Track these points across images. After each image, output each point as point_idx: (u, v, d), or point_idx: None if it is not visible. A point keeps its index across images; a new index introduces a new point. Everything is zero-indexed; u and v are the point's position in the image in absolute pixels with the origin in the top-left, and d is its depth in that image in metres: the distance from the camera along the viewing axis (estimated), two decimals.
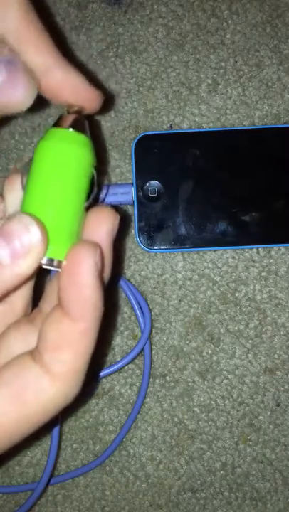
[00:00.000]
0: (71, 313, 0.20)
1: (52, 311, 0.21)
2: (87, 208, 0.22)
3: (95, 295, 0.20)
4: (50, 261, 0.20)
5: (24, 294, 0.25)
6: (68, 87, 0.23)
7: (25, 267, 0.19)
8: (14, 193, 0.23)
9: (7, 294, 0.20)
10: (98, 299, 0.20)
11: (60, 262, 0.20)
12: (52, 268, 0.21)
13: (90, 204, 0.22)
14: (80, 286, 0.19)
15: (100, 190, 0.23)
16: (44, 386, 0.20)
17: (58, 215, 0.21)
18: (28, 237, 0.19)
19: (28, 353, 0.21)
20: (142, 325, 0.36)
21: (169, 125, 0.37)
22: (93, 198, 0.22)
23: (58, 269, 0.20)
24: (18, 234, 0.19)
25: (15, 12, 0.21)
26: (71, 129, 0.22)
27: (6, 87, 0.21)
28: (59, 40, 0.38)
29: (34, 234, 0.19)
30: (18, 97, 0.21)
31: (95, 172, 0.22)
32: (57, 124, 0.22)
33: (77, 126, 0.22)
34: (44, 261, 0.20)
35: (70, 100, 0.23)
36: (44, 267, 0.20)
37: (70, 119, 0.22)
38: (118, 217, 0.22)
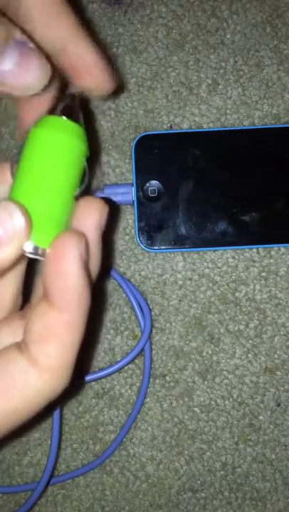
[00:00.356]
0: (56, 304, 0.20)
1: (38, 303, 0.20)
2: (77, 198, 0.22)
3: (80, 285, 0.20)
4: (35, 249, 0.20)
5: (12, 288, 0.25)
6: (82, 66, 0.22)
7: (7, 254, 0.19)
8: (3, 184, 0.23)
9: None
10: (84, 290, 0.20)
11: (44, 251, 0.20)
12: (36, 257, 0.20)
13: (80, 194, 0.22)
14: (64, 275, 0.19)
15: (91, 180, 0.23)
16: (31, 379, 0.20)
17: (45, 204, 0.20)
18: (11, 224, 0.19)
19: (14, 346, 0.21)
20: (142, 325, 0.36)
21: (169, 125, 0.37)
22: (84, 188, 0.22)
23: (42, 258, 0.20)
24: (1, 221, 0.19)
25: None
26: (64, 117, 0.21)
27: (18, 70, 0.21)
28: None
29: (17, 221, 0.19)
30: (30, 80, 0.21)
31: (86, 162, 0.22)
32: (50, 110, 0.22)
33: (71, 114, 0.22)
34: (29, 249, 0.20)
35: (83, 81, 0.22)
36: (28, 255, 0.20)
37: (64, 106, 0.22)
38: (107, 208, 0.22)
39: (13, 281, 0.25)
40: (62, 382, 0.21)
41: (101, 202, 0.22)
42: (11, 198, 0.20)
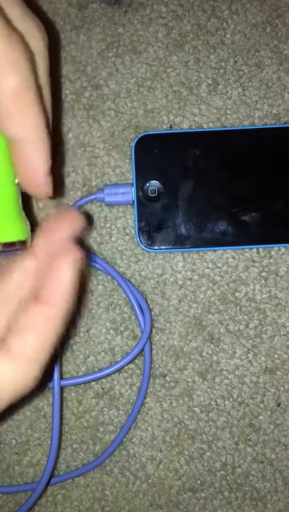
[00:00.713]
0: (44, 298, 0.20)
1: (22, 301, 0.21)
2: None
3: (70, 283, 0.20)
4: (11, 244, 0.21)
5: None
6: (27, 168, 0.23)
7: None
8: None
9: None
10: (72, 290, 0.21)
11: (22, 243, 0.21)
12: (12, 250, 0.21)
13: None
14: (59, 276, 0.20)
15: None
16: (3, 367, 0.20)
17: (4, 200, 0.22)
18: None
19: None
20: (142, 325, 0.36)
21: (169, 125, 0.37)
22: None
23: (17, 251, 0.21)
24: None
25: (12, 81, 0.21)
26: None
27: None
28: (59, 40, 0.38)
29: None
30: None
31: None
32: None
33: None
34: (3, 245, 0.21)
35: (23, 179, 0.23)
36: (4, 249, 0.21)
37: None
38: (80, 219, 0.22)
39: None
40: (33, 375, 0.21)
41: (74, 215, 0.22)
42: None
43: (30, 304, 0.21)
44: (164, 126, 0.37)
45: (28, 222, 0.24)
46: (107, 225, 0.37)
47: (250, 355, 0.37)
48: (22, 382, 0.21)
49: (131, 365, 0.37)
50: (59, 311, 0.21)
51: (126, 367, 0.37)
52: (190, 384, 0.37)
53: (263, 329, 0.37)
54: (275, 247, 0.37)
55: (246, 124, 0.37)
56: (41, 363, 0.21)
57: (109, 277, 0.37)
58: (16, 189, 0.22)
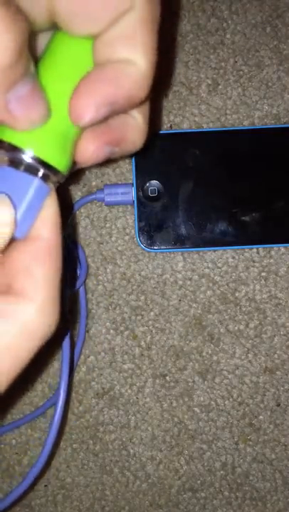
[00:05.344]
0: (35, 234, 0.21)
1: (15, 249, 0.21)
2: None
3: (57, 218, 0.21)
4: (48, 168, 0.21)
5: None
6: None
7: None
8: None
9: None
10: (58, 222, 0.21)
11: (59, 175, 0.21)
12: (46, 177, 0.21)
13: None
14: (45, 214, 0.21)
15: None
16: (21, 310, 0.20)
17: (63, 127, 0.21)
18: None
19: None
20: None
21: (169, 125, 0.37)
22: None
23: (49, 180, 0.21)
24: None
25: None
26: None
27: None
28: None
29: (5, 215, 0.20)
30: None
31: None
32: None
33: None
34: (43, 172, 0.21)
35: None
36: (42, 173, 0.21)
37: None
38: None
39: None
40: (55, 312, 0.21)
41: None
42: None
43: (23, 245, 0.21)
44: (164, 126, 0.37)
45: (70, 164, 0.23)
46: (107, 225, 0.37)
47: (250, 355, 0.37)
48: (46, 322, 0.20)
49: (131, 365, 0.37)
50: (55, 240, 0.21)
51: (126, 366, 0.37)
52: (190, 384, 0.37)
53: (263, 329, 0.37)
54: (275, 247, 0.37)
55: (246, 124, 0.37)
56: (57, 294, 0.21)
57: (109, 277, 0.37)
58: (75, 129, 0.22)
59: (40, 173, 0.21)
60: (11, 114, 0.19)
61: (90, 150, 0.23)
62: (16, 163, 0.21)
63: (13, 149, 0.21)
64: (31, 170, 0.21)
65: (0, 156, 0.21)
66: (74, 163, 0.23)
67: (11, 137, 0.21)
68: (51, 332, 0.21)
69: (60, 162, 0.22)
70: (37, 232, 0.21)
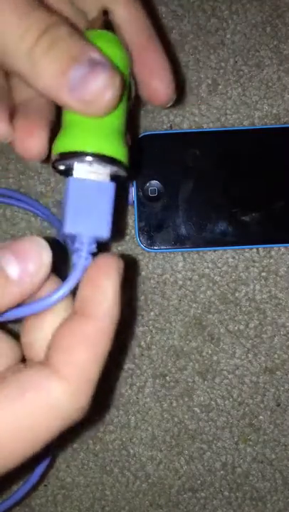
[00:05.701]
0: (87, 311, 0.19)
1: (64, 321, 0.20)
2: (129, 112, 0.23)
3: (116, 297, 0.20)
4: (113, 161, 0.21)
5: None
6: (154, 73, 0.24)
7: (30, 285, 0.20)
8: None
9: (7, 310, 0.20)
10: (117, 303, 0.20)
11: (120, 165, 0.21)
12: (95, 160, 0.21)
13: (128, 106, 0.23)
14: (104, 288, 0.20)
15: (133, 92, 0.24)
16: (51, 386, 0.19)
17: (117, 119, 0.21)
18: (39, 261, 0.20)
19: (32, 364, 0.20)
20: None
21: (169, 125, 0.37)
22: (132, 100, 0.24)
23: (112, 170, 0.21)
24: (30, 256, 0.19)
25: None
26: (106, 30, 0.22)
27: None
28: None
29: (45, 258, 0.20)
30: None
31: (130, 74, 0.23)
32: (90, 26, 0.22)
33: (109, 27, 0.22)
34: (89, 157, 0.21)
35: (148, 85, 0.24)
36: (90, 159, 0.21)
37: (101, 21, 0.22)
38: (122, 264, 0.21)
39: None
40: (85, 399, 0.19)
41: (116, 260, 0.21)
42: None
43: (74, 319, 0.20)
44: (164, 126, 0.37)
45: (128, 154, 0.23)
46: None
47: (250, 355, 0.37)
48: (74, 407, 0.19)
49: (131, 365, 0.37)
50: (107, 324, 0.20)
51: (126, 367, 0.37)
52: (190, 384, 0.37)
53: (263, 329, 0.37)
54: (275, 247, 0.37)
55: (246, 124, 0.37)
56: (93, 382, 0.19)
57: None
58: (127, 116, 0.22)
59: (109, 171, 0.21)
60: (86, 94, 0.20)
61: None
62: (78, 169, 0.21)
63: (75, 155, 0.21)
64: (99, 172, 0.21)
65: (60, 168, 0.22)
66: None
67: (68, 146, 0.21)
68: (79, 417, 0.19)
69: (124, 156, 0.21)
70: (90, 310, 0.19)
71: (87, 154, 0.20)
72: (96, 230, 0.21)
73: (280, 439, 0.37)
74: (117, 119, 0.21)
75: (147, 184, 0.36)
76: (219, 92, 0.37)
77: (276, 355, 0.37)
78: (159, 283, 0.37)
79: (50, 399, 0.18)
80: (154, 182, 0.36)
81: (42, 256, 0.20)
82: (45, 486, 0.37)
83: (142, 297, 0.37)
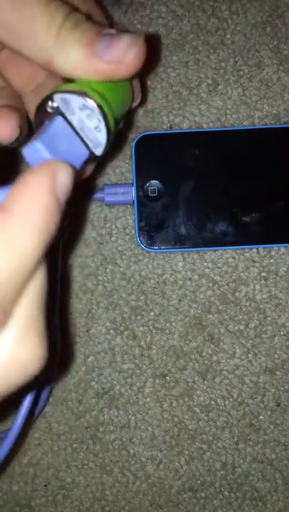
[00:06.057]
0: (12, 208, 0.18)
1: None
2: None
3: (46, 201, 0.18)
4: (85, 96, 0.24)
5: None
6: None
7: None
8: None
9: None
10: (49, 209, 0.18)
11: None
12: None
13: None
14: (33, 186, 0.18)
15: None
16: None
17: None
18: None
19: None
20: None
21: (169, 125, 0.37)
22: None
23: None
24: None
25: None
26: None
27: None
28: None
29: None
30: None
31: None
32: None
33: None
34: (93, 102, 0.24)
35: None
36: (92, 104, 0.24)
37: None
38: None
39: None
40: (36, 344, 0.18)
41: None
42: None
43: None
44: (164, 126, 0.37)
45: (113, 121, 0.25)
46: (107, 225, 0.37)
47: (250, 355, 0.37)
48: (26, 355, 0.18)
49: (131, 365, 0.37)
50: (32, 225, 0.18)
51: (126, 367, 0.37)
52: (190, 384, 0.37)
53: (263, 329, 0.37)
54: (275, 247, 0.37)
55: (246, 124, 0.37)
56: (39, 320, 0.19)
57: (109, 277, 0.37)
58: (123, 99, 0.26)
59: (98, 119, 0.24)
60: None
61: None
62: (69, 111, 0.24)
63: (78, 93, 0.23)
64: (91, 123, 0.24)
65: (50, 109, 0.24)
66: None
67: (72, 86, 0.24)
68: (34, 367, 0.19)
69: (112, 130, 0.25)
70: (13, 207, 0.18)
71: (82, 94, 0.23)
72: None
73: (280, 439, 0.37)
74: (117, 101, 0.25)
75: (147, 184, 0.36)
76: (219, 92, 0.37)
77: (276, 355, 0.37)
78: (159, 283, 0.37)
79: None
80: (154, 182, 0.36)
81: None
82: (45, 486, 0.37)
83: (142, 297, 0.37)
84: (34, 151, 0.22)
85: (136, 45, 0.23)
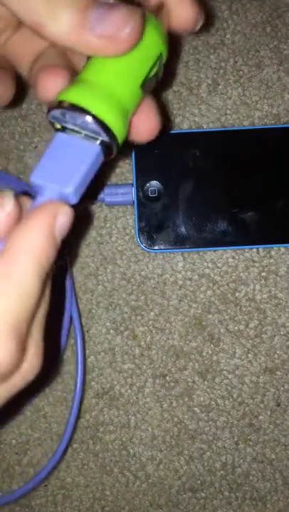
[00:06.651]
0: (11, 251, 0.20)
1: None
2: (146, 88, 0.23)
3: (44, 237, 0.20)
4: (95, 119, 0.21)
5: None
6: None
7: None
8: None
9: None
10: (46, 244, 0.20)
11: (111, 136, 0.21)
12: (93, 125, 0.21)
13: (148, 84, 0.23)
14: (31, 225, 0.20)
15: (160, 74, 0.24)
16: None
17: (112, 82, 0.21)
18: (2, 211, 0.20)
19: None
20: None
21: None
22: (153, 80, 0.23)
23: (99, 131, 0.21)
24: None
25: None
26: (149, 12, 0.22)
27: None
28: None
29: (7, 207, 0.20)
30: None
31: (164, 54, 0.23)
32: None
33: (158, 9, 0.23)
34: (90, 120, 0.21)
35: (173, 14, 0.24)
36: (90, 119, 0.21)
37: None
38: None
39: None
40: (11, 347, 0.19)
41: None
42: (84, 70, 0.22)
43: None
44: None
45: (125, 130, 0.23)
46: (107, 225, 0.37)
47: (250, 355, 0.37)
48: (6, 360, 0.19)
49: (131, 365, 0.37)
50: (31, 262, 0.20)
51: (126, 366, 0.37)
52: (190, 384, 0.37)
53: (263, 329, 0.37)
54: (275, 247, 0.37)
55: (246, 124, 0.37)
56: (18, 330, 0.20)
57: (109, 277, 0.37)
58: (138, 90, 0.22)
59: (101, 138, 0.21)
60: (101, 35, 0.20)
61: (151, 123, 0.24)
62: (73, 126, 0.21)
63: (76, 110, 0.21)
64: (92, 134, 0.21)
65: (56, 120, 0.22)
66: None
67: (72, 97, 0.21)
68: (33, 375, 0.21)
69: (120, 132, 0.21)
70: (12, 250, 0.20)
71: (83, 111, 0.21)
72: (61, 183, 0.20)
73: (280, 439, 0.37)
74: (129, 91, 0.22)
75: (147, 184, 0.36)
76: (219, 92, 0.37)
77: (276, 355, 0.37)
78: (159, 283, 0.37)
79: None
80: (154, 182, 0.36)
81: (5, 205, 0.20)
82: (45, 486, 0.37)
83: (142, 297, 0.37)
84: (37, 178, 0.21)
85: (132, 20, 0.20)
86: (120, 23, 0.20)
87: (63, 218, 0.20)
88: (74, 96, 0.21)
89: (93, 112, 0.21)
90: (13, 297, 0.19)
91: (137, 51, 0.21)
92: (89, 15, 0.20)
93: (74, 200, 0.21)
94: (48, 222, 0.20)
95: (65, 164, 0.21)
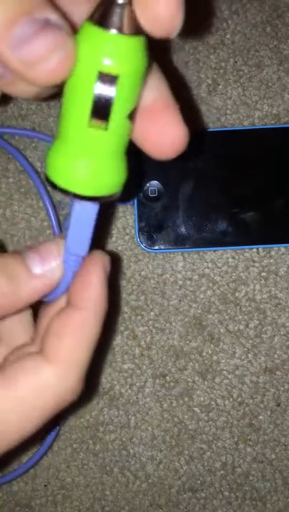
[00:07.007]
0: (76, 302, 0.21)
1: (57, 312, 0.22)
2: (133, 114, 0.20)
3: (100, 289, 0.22)
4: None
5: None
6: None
7: (50, 280, 0.22)
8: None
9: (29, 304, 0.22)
10: (102, 294, 0.22)
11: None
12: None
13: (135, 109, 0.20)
14: (89, 281, 0.22)
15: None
16: (42, 370, 0.21)
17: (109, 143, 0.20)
18: (55, 262, 0.22)
19: (26, 346, 0.22)
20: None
21: None
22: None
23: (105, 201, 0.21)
24: (52, 257, 0.22)
25: None
26: (115, 31, 0.17)
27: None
28: None
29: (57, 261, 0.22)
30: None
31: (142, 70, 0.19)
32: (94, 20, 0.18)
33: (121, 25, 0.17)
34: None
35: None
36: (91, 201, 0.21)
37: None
38: (109, 259, 0.23)
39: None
40: (75, 380, 0.21)
41: (102, 256, 0.23)
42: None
43: (65, 311, 0.22)
44: None
45: (125, 169, 0.22)
46: (107, 225, 0.37)
47: (250, 355, 0.37)
48: (65, 388, 0.21)
49: (131, 365, 0.37)
50: (92, 313, 0.21)
51: (126, 366, 0.37)
52: (190, 384, 0.37)
53: (263, 329, 0.37)
54: (275, 247, 0.37)
55: (246, 124, 0.37)
56: (82, 365, 0.21)
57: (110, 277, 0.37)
58: (127, 127, 0.20)
59: (95, 208, 0.21)
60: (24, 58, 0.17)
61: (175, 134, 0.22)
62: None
63: (61, 190, 0.20)
64: (86, 202, 0.21)
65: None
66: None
67: (59, 178, 0.20)
68: (70, 396, 0.21)
69: (116, 184, 0.21)
70: (78, 301, 0.21)
71: (80, 197, 0.20)
72: (78, 250, 0.23)
73: (280, 439, 0.37)
74: (118, 138, 0.20)
75: (147, 184, 0.36)
76: (219, 92, 0.37)
77: (276, 355, 0.37)
78: (159, 283, 0.37)
79: (40, 381, 0.20)
80: (154, 182, 0.36)
81: (61, 256, 0.22)
82: (45, 486, 0.37)
83: (142, 297, 0.37)
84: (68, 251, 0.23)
85: (60, 50, 0.17)
86: (44, 52, 0.16)
87: (108, 265, 0.23)
88: (53, 174, 0.20)
89: (76, 193, 0.20)
90: (86, 343, 0.22)
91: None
92: (14, 30, 0.16)
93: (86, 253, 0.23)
94: (102, 274, 0.23)
95: (78, 229, 0.22)
